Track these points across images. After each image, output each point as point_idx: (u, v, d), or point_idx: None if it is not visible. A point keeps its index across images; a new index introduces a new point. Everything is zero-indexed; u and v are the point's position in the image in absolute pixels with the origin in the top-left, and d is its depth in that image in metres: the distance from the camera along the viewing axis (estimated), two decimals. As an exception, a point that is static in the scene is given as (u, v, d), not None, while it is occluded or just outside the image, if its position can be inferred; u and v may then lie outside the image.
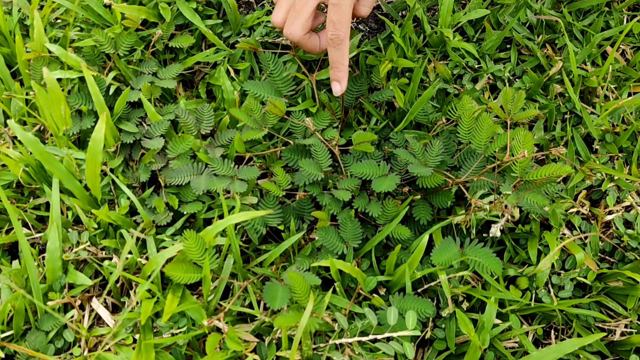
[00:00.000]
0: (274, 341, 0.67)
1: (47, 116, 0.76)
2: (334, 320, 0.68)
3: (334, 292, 0.69)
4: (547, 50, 0.87)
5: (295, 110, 0.79)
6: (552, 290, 0.73)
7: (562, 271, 0.75)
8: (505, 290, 0.71)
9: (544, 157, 0.80)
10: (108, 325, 0.71)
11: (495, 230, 0.60)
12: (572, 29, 0.89)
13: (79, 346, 0.69)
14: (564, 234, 0.76)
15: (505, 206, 0.66)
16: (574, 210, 0.77)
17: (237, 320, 0.70)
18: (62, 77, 0.82)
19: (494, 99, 0.85)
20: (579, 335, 0.73)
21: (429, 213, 0.73)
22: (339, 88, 0.74)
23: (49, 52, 0.85)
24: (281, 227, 0.73)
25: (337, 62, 0.72)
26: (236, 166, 0.76)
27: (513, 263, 0.75)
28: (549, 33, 0.88)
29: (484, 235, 0.76)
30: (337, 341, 0.65)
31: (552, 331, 0.73)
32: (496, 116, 0.84)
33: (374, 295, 0.70)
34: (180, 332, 0.67)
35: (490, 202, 0.69)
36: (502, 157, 0.65)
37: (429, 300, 0.69)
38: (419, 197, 0.72)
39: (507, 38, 0.88)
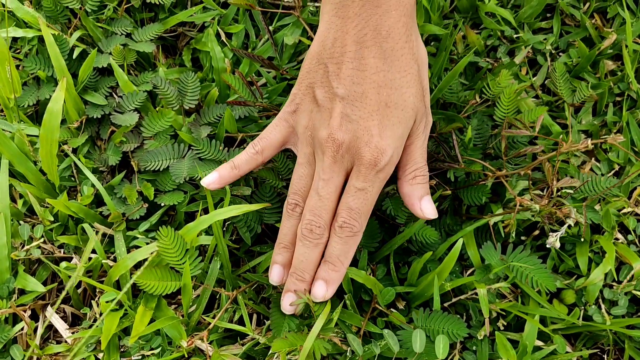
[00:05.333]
0: (269, 367, 0.54)
1: (-6, 82, 0.62)
2: (343, 340, 0.56)
3: (344, 306, 0.56)
4: (595, 20, 0.74)
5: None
6: (603, 306, 0.61)
7: (614, 283, 0.62)
8: (550, 306, 0.59)
9: (593, 146, 0.68)
10: (66, 342, 0.58)
11: (554, 241, 0.48)
12: (625, -4, 0.76)
13: (28, 367, 0.56)
14: (616, 239, 0.64)
15: (560, 207, 0.53)
16: (628, 210, 0.65)
17: (224, 339, 0.57)
18: (17, 36, 0.68)
19: (534, 76, 0.72)
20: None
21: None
22: (323, 291, 0.52)
23: (2, 5, 0.70)
24: (280, 225, 0.60)
25: (337, 259, 0.52)
26: (226, 149, 0.63)
27: (557, 272, 0.63)
28: (598, 1, 0.75)
29: (522, 238, 0.64)
30: (348, 369, 0.53)
31: (605, 356, 0.61)
32: (536, 96, 0.71)
33: (392, 310, 0.57)
34: (152, 354, 0.54)
35: (531, 200, 0.56)
36: (561, 147, 0.52)
37: (459, 317, 0.56)
38: (449, 191, 0.59)
39: (549, 5, 0.75)
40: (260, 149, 0.56)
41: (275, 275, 0.55)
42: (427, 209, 0.53)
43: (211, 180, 0.56)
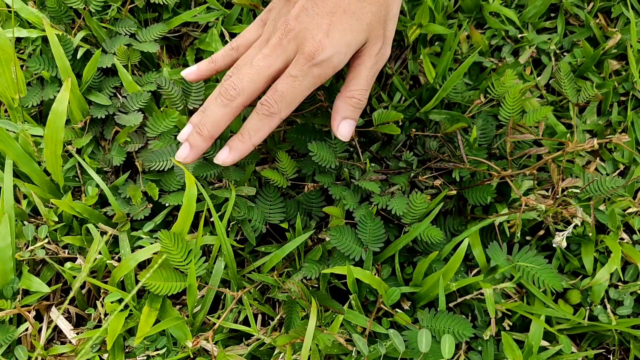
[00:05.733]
0: (275, 367, 0.54)
1: (-1, 82, 0.62)
2: (349, 340, 0.55)
3: (350, 306, 0.56)
4: (599, 20, 0.74)
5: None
6: (608, 306, 0.61)
7: (619, 283, 0.62)
8: (555, 306, 0.59)
9: (598, 145, 0.68)
10: (70, 342, 0.58)
11: (560, 240, 0.47)
12: (629, -4, 0.76)
13: (33, 368, 0.56)
14: (621, 239, 0.64)
15: (566, 206, 0.53)
16: (633, 210, 0.65)
17: (230, 339, 0.57)
18: (21, 36, 0.68)
19: (538, 76, 0.72)
20: (637, 360, 0.61)
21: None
22: (223, 156, 0.55)
23: (7, 5, 0.70)
24: (284, 225, 0.60)
25: (247, 132, 0.54)
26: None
27: (563, 272, 0.63)
28: (602, 0, 0.75)
29: (527, 238, 0.64)
30: (354, 369, 0.53)
31: (611, 356, 0.61)
32: (540, 96, 0.71)
33: (397, 310, 0.57)
34: (157, 355, 0.54)
35: (531, 199, 0.56)
36: (566, 147, 0.52)
37: (464, 317, 0.56)
38: (454, 191, 0.59)
39: (553, 5, 0.75)
40: (235, 46, 0.59)
41: (183, 132, 0.56)
42: (343, 129, 0.55)
43: (190, 71, 0.60)
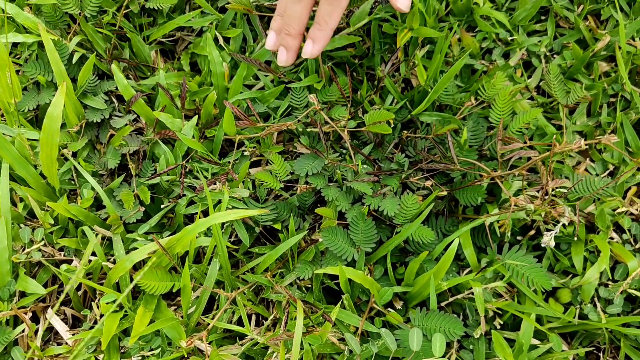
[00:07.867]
0: (268, 367, 0.55)
1: (-6, 87, 0.62)
2: (341, 340, 0.56)
3: (342, 306, 0.57)
4: (589, 22, 0.75)
5: (297, 86, 0.66)
6: (598, 304, 0.62)
7: (609, 282, 0.63)
8: (545, 305, 0.59)
9: (588, 146, 0.68)
10: (66, 343, 0.59)
11: (549, 240, 0.48)
12: (618, -2, 0.77)
13: (29, 369, 0.57)
14: (611, 238, 0.65)
15: (554, 206, 0.54)
16: (623, 210, 0.66)
17: (224, 339, 0.57)
18: (17, 41, 0.69)
19: (528, 78, 0.73)
20: (627, 358, 0.62)
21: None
22: (310, 48, 0.60)
23: (3, 11, 0.71)
24: (278, 226, 0.61)
25: (322, 19, 0.58)
26: (224, 151, 0.63)
27: (553, 272, 0.63)
28: (592, 3, 0.76)
29: (518, 238, 0.64)
30: (346, 368, 0.53)
31: (601, 354, 0.62)
32: (531, 97, 0.72)
33: (390, 310, 0.58)
34: (152, 354, 0.54)
35: (521, 200, 0.57)
36: (552, 149, 0.53)
37: (455, 316, 0.57)
38: (444, 192, 0.60)
39: (544, 7, 0.76)
40: None
41: (270, 41, 0.62)
42: None
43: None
